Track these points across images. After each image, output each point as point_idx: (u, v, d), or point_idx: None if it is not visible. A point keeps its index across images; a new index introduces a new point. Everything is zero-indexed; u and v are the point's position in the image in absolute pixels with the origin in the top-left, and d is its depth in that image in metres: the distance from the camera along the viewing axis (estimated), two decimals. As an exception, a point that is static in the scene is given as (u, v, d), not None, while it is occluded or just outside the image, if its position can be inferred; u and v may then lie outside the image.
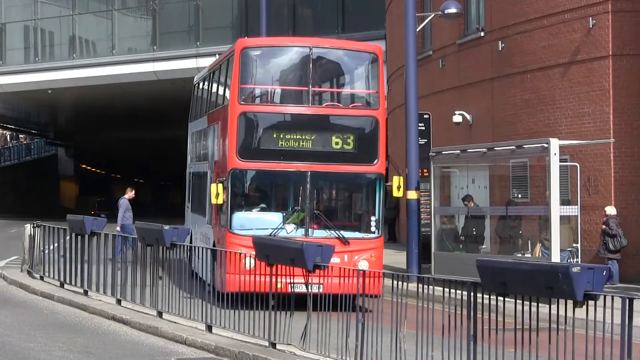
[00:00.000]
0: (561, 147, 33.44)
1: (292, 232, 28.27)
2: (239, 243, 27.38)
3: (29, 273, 41.20)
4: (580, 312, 17.85)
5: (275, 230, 28.09)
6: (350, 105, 30.27)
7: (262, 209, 29.67)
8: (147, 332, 28.49)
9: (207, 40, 75.67)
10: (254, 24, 57.97)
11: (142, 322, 29.34)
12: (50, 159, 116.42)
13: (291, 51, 31.55)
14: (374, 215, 28.90)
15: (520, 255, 35.19)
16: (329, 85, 30.23)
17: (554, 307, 18.76)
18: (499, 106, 42.50)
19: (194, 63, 74.67)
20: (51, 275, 39.23)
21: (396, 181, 31.54)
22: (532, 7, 40.46)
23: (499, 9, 43.58)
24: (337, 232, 28.75)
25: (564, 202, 33.85)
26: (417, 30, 44.19)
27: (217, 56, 42.28)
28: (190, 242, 36.85)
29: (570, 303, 17.84)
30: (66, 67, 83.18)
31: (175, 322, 28.70)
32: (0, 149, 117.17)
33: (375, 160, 28.74)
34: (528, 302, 19.08)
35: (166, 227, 30.69)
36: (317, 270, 23.59)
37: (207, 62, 75.96)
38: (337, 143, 28.58)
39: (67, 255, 38.03)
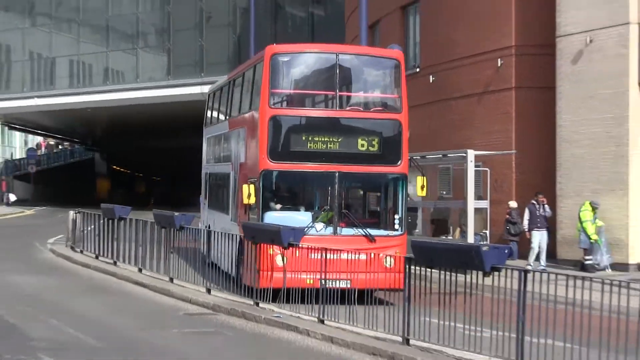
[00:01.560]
0: (476, 156, 33.58)
1: (321, 230, 25.07)
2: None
3: (72, 248, 41.36)
4: (488, 281, 18.38)
5: (306, 229, 24.36)
6: (375, 109, 26.89)
7: (292, 209, 26.10)
8: (162, 293, 28.65)
9: (209, 72, 75.46)
10: (245, 58, 57.63)
11: (157, 286, 29.58)
12: (88, 161, 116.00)
13: (318, 57, 27.75)
14: (398, 213, 25.87)
15: (444, 237, 35.22)
16: (354, 90, 26.79)
17: (468, 277, 19.15)
18: (433, 124, 42.39)
19: (199, 89, 74.35)
20: (88, 250, 39.40)
21: (420, 181, 29.11)
22: (456, 50, 40.49)
23: (430, 51, 43.61)
24: (364, 230, 25.36)
25: (478, 197, 33.88)
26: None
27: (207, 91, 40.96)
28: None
29: (480, 274, 18.47)
30: (101, 92, 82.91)
31: (183, 286, 28.87)
32: (51, 154, 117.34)
33: (399, 161, 25.80)
34: (449, 273, 19.54)
35: (176, 214, 31.19)
36: (346, 266, 22.11)
37: (209, 88, 76.53)
38: (362, 145, 25.41)
39: (101, 234, 38.31)
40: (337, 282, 22.40)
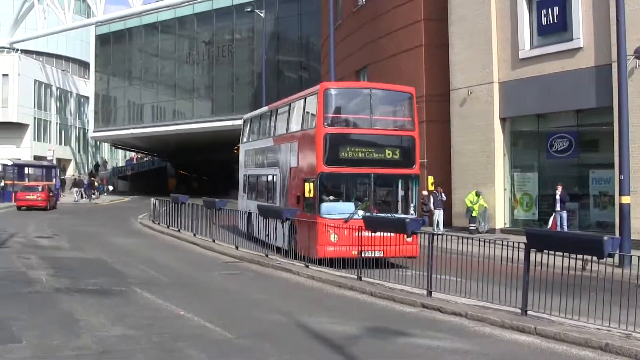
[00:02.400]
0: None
1: (362, 215, 22.70)
2: (326, 224, 22.88)
3: (153, 221, 41.05)
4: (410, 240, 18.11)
5: (351, 215, 23.21)
6: (396, 128, 25.54)
7: (340, 200, 24.42)
8: (207, 249, 28.42)
9: (237, 112, 74.99)
10: (259, 105, 57.37)
11: (205, 245, 29.26)
12: (163, 168, 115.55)
13: (357, 91, 26.82)
14: (412, 202, 24.62)
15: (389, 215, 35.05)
16: (382, 114, 25.41)
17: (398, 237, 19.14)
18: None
19: (231, 123, 74.02)
20: (163, 223, 39.11)
21: (430, 179, 30.38)
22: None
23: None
24: (392, 215, 23.83)
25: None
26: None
27: (242, 119, 38.18)
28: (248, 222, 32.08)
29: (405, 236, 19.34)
30: (171, 124, 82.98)
31: (220, 245, 28.70)
32: (140, 163, 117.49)
33: (414, 165, 24.70)
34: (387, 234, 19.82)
35: (217, 200, 31.35)
36: (379, 241, 20.21)
37: (237, 122, 76.71)
38: (388, 154, 24.46)
39: (170, 213, 38.11)
40: (373, 252, 20.75)
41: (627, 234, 23.91)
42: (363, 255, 20.46)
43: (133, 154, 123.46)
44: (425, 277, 17.69)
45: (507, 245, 16.19)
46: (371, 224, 20.19)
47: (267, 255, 24.92)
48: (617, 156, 25.32)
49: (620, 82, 24.07)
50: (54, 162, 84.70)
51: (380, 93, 25.62)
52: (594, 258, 14.46)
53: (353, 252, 20.96)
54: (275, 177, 28.67)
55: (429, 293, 17.46)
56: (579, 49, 30.16)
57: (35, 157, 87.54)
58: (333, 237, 22.84)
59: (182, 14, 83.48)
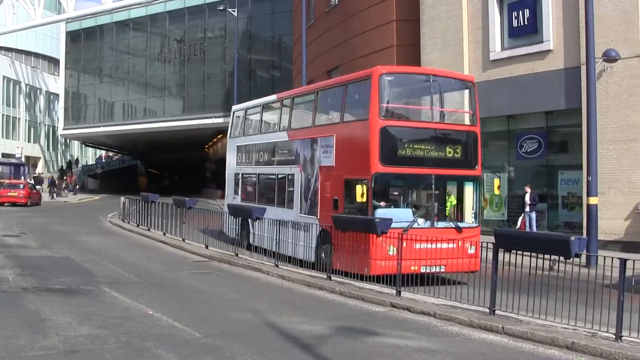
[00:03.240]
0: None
1: (421, 224, 20.29)
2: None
3: (122, 220, 40.79)
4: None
5: (410, 224, 19.92)
6: (458, 122, 22.49)
7: (397, 205, 21.26)
8: (177, 248, 28.36)
9: (208, 111, 75.41)
10: (231, 104, 57.26)
11: (175, 244, 29.19)
12: (133, 166, 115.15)
13: (416, 78, 22.97)
14: (474, 208, 21.79)
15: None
16: (443, 106, 22.38)
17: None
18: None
19: (202, 121, 74.52)
20: (133, 221, 38.90)
21: (497, 182, 26.22)
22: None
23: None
24: (454, 222, 21.09)
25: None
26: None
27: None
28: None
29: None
30: (142, 123, 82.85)
31: (190, 244, 28.65)
32: (110, 161, 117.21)
33: (477, 165, 21.73)
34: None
35: (187, 198, 31.22)
36: (441, 254, 18.62)
37: (209, 121, 77.08)
38: (449, 152, 21.22)
39: (140, 211, 37.81)
40: (434, 267, 19.06)
41: (595, 234, 24.18)
42: (423, 270, 18.73)
43: (103, 152, 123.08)
44: (395, 277, 17.81)
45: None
46: (339, 223, 20.17)
47: (237, 255, 24.92)
48: (585, 158, 25.59)
49: (589, 84, 24.32)
50: (23, 159, 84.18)
51: (441, 80, 22.51)
52: (562, 258, 14.61)
53: (412, 268, 18.60)
54: (291, 177, 25.05)
55: (398, 293, 17.57)
56: (548, 51, 30.36)
57: (4, 155, 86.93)
58: (391, 250, 19.08)
59: (154, 12, 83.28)
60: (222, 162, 79.95)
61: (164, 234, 32.65)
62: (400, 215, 20.20)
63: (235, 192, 31.00)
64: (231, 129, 32.66)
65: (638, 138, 27.04)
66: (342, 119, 22.23)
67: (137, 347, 12.10)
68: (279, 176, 26.21)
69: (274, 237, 23.76)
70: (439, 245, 18.44)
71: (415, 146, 20.87)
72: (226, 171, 32.58)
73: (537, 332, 13.53)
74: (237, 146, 31.27)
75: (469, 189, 21.89)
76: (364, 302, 17.35)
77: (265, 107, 29.37)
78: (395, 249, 18.61)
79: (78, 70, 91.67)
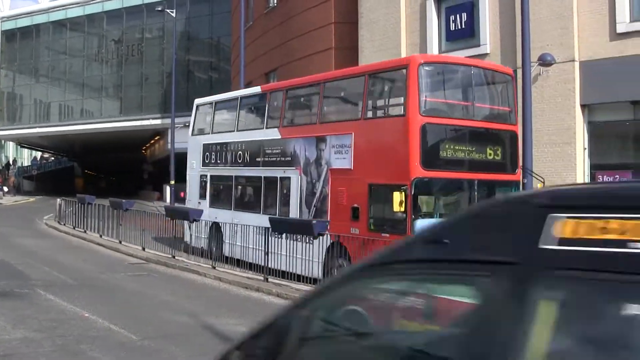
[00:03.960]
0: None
1: None
2: None
3: (58, 222, 40.35)
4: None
5: None
6: (498, 120, 20.14)
7: (436, 215, 18.36)
8: (114, 250, 28.18)
9: (146, 112, 74.96)
10: (169, 105, 57.13)
11: (111, 246, 28.96)
12: (70, 167, 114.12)
13: (456, 68, 20.21)
14: None
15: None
16: (483, 102, 20.31)
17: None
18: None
19: (140, 122, 74.10)
20: (69, 223, 38.45)
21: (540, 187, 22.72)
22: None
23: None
24: None
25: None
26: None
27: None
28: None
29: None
30: (79, 124, 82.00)
31: (127, 246, 28.46)
32: (46, 163, 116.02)
33: (517, 169, 19.85)
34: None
35: (124, 200, 30.97)
36: None
37: (147, 122, 76.52)
38: (490, 154, 18.94)
39: (77, 213, 37.36)
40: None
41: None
42: None
43: (39, 153, 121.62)
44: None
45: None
46: (276, 225, 20.16)
47: (173, 257, 24.86)
48: (520, 161, 25.89)
49: (525, 88, 24.62)
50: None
51: (481, 72, 20.31)
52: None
53: None
54: (285, 180, 22.26)
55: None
56: (485, 54, 30.67)
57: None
58: None
59: (91, 12, 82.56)
60: (159, 163, 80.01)
61: (101, 236, 32.38)
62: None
63: (202, 197, 27.50)
64: (194, 125, 29.55)
65: (572, 141, 27.46)
66: (364, 115, 19.76)
67: (73, 350, 12.01)
68: (267, 179, 23.28)
69: (261, 248, 21.27)
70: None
71: (457, 147, 18.60)
72: (187, 173, 29.28)
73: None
74: (204, 145, 27.69)
75: None
76: (301, 304, 17.38)
77: (245, 100, 26.49)
78: None
79: (14, 70, 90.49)
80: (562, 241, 3.18)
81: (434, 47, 32.98)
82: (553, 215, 3.27)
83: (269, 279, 19.99)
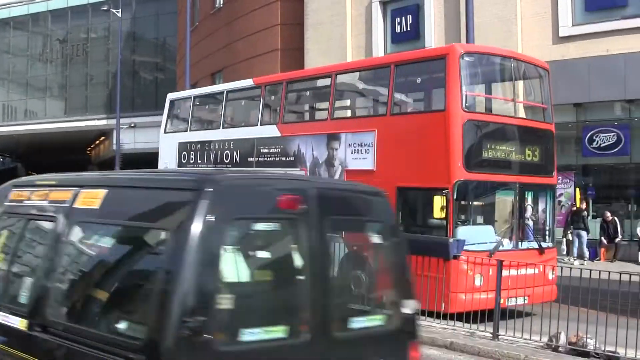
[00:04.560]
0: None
1: (506, 245, 16.13)
2: (464, 260, 15.04)
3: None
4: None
5: (496, 246, 15.70)
6: (536, 118, 18.48)
7: (478, 222, 16.84)
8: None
9: (92, 112, 74.31)
10: (114, 105, 56.78)
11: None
12: (13, 169, 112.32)
13: (497, 60, 18.02)
14: (550, 225, 17.61)
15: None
16: (523, 97, 18.97)
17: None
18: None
19: (85, 123, 73.44)
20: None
21: (578, 193, 21.62)
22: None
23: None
24: (538, 242, 16.90)
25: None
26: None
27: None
28: None
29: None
30: (22, 124, 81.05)
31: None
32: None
33: (553, 172, 17.80)
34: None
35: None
36: (524, 282, 14.75)
37: (92, 122, 75.71)
38: (528, 154, 16.97)
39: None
40: (516, 299, 15.34)
41: None
42: (509, 304, 15.19)
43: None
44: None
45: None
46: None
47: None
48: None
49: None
50: None
51: (520, 65, 18.15)
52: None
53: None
54: None
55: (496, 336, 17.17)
56: (430, 57, 30.88)
57: None
58: (478, 280, 15.14)
59: (36, 10, 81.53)
60: (105, 164, 79.25)
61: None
62: (480, 235, 16.23)
63: None
64: (167, 122, 26.52)
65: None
66: (390, 110, 17.71)
67: None
68: None
69: None
70: (521, 272, 14.92)
71: (498, 147, 16.80)
72: None
73: (416, 333, 13.71)
74: (180, 143, 25.06)
75: (544, 200, 17.91)
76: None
77: (232, 95, 23.92)
78: (482, 278, 15.00)
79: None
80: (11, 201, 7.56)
81: (379, 49, 33.16)
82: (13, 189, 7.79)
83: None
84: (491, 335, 13.38)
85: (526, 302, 15.40)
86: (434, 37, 30.80)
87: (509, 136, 16.97)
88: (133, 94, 67.81)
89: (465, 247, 15.18)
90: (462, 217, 16.18)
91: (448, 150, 15.62)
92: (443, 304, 14.84)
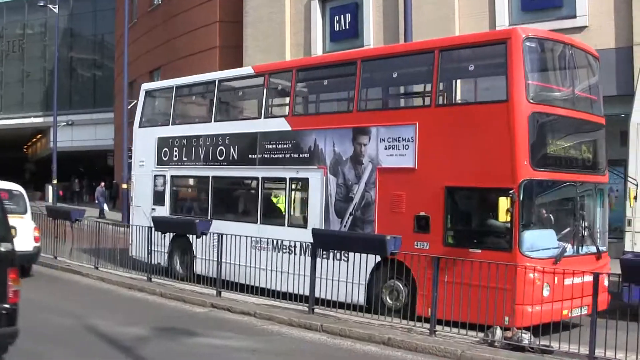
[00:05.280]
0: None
1: (571, 250, 14.56)
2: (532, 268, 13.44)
3: None
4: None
5: (562, 252, 14.15)
6: (589, 110, 16.06)
7: (545, 226, 14.76)
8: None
9: (28, 110, 73.41)
10: (51, 101, 56.11)
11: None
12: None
13: (559, 47, 15.73)
14: (604, 227, 15.90)
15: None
16: (580, 88, 16.21)
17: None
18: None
19: (21, 120, 72.48)
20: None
21: (632, 192, 16.55)
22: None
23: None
24: (597, 246, 15.28)
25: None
26: (129, 107, 43.75)
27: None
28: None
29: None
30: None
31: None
32: None
33: (606, 170, 16.09)
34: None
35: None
36: (583, 290, 13.29)
37: (28, 120, 74.79)
38: (584, 151, 15.61)
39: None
40: (580, 309, 14.02)
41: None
42: (572, 314, 13.97)
43: None
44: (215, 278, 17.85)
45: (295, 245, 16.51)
46: (160, 225, 19.88)
47: (55, 257, 24.21)
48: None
49: (407, 88, 25.00)
50: None
51: (580, 54, 16.29)
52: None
53: (564, 312, 13.72)
54: (301, 183, 18.16)
55: (219, 293, 17.61)
56: (369, 55, 31.01)
57: None
58: (546, 291, 13.61)
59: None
60: (42, 163, 78.34)
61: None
62: (543, 239, 14.51)
63: (157, 202, 22.22)
64: (142, 116, 23.79)
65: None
66: (435, 101, 15.76)
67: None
68: (268, 181, 19.11)
69: (263, 266, 17.24)
70: (581, 279, 13.64)
71: (563, 142, 15.23)
72: (133, 172, 24.15)
73: (354, 329, 13.89)
74: (160, 139, 22.47)
75: (602, 202, 16.12)
76: (184, 304, 17.31)
77: (225, 85, 21.45)
78: (549, 287, 13.54)
79: None
80: None
81: (318, 48, 33.24)
82: None
83: (152, 279, 19.75)
84: (428, 331, 13.50)
85: (585, 312, 13.89)
86: (372, 35, 30.94)
87: (572, 130, 15.43)
88: (70, 91, 67.11)
89: (529, 254, 13.72)
90: (527, 220, 14.19)
91: (513, 146, 13.98)
92: (507, 318, 13.35)
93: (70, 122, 63.90)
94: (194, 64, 39.98)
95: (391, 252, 14.09)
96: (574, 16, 25.31)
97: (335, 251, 15.95)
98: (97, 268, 22.10)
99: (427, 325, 13.64)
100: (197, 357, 12.35)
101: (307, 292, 15.67)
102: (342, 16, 32.65)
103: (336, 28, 32.89)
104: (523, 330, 12.79)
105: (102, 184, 51.31)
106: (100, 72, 72.25)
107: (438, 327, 13.53)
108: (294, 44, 34.47)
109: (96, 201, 49.55)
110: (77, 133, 66.90)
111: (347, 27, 32.45)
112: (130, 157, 42.15)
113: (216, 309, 16.53)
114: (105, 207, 48.04)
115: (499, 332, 12.92)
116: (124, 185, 40.81)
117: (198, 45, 40.36)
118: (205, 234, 18.06)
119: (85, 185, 71.33)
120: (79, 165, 76.43)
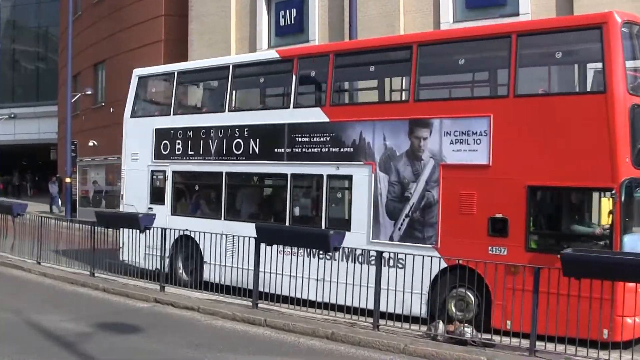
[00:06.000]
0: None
1: None
2: None
3: None
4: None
5: None
6: None
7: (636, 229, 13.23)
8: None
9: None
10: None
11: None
12: None
13: None
14: None
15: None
16: None
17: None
18: (111, 140, 41.04)
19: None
20: None
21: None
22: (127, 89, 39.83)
23: (112, 91, 42.31)
24: None
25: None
26: (73, 100, 43.34)
27: (138, 75, 20.54)
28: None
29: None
30: None
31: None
32: None
33: None
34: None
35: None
36: None
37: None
38: None
39: None
40: None
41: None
42: None
43: None
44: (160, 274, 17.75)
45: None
46: (103, 220, 19.71)
47: (92, 275, 23.62)
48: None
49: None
50: None
51: None
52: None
53: None
54: (344, 181, 16.47)
55: (162, 288, 17.52)
56: (314, 50, 31.01)
57: None
58: None
59: None
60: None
61: None
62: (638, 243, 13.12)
63: (155, 200, 20.10)
64: (134, 104, 21.52)
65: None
66: (514, 91, 13.92)
67: None
68: (300, 178, 17.27)
69: (300, 274, 15.37)
70: None
71: None
72: (124, 167, 21.41)
73: (298, 324, 13.94)
74: (158, 130, 20.40)
75: None
76: (128, 299, 17.21)
77: (242, 70, 19.18)
78: None
79: None
80: None
81: (263, 42, 33.18)
82: None
83: (96, 274, 19.57)
84: (372, 325, 13.56)
85: None
86: (317, 30, 30.95)
87: None
88: (13, 83, 66.08)
89: None
90: (628, 223, 12.90)
91: (613, 141, 12.59)
92: (605, 331, 12.07)
93: (12, 115, 62.91)
94: (139, 58, 39.66)
95: (457, 260, 13.38)
96: (517, 14, 25.51)
97: (390, 259, 14.37)
98: (39, 263, 21.86)
99: (371, 320, 13.70)
100: (140, 353, 12.27)
101: (370, 306, 13.90)
102: (287, 11, 32.63)
103: (281, 23, 32.85)
104: (465, 324, 12.92)
105: (54, 178, 50.51)
106: (44, 65, 71.28)
107: (381, 322, 13.62)
108: (239, 38, 34.37)
109: (53, 196, 48.64)
110: (20, 126, 65.96)
111: (293, 22, 32.42)
112: (74, 151, 42.22)
113: (160, 304, 16.45)
114: (60, 201, 47.38)
115: (441, 326, 13.06)
116: (67, 180, 40.44)
117: (143, 38, 40.08)
118: (149, 229, 17.44)
119: (29, 180, 70.38)
120: (21, 159, 75.40)
